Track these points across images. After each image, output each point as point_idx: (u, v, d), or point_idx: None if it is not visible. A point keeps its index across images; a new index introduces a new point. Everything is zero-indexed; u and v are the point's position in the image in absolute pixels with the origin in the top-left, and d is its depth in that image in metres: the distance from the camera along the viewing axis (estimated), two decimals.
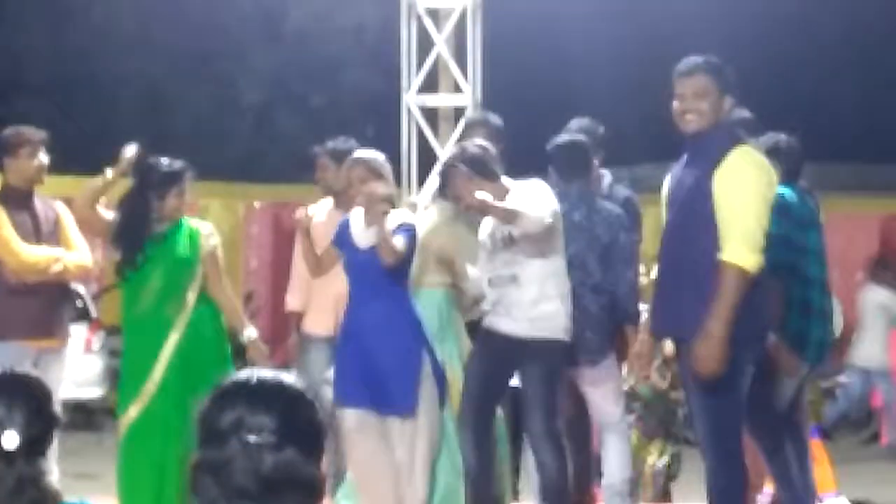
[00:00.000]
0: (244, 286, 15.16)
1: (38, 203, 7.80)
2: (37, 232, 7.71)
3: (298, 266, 8.11)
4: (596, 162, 7.77)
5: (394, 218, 7.14)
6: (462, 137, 8.07)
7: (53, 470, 6.69)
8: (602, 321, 7.36)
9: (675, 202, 6.22)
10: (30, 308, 7.64)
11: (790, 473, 6.85)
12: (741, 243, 5.91)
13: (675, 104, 6.18)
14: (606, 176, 7.89)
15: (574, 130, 7.79)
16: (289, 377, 2.85)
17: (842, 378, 14.22)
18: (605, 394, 7.52)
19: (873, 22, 19.29)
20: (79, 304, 13.34)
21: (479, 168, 7.09)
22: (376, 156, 7.25)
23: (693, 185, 6.08)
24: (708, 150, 6.11)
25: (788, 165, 7.10)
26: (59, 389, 7.47)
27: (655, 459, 9.09)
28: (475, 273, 7.36)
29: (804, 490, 6.88)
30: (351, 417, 7.15)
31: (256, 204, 16.13)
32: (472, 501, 7.28)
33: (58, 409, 3.57)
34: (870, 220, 15.72)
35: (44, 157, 7.75)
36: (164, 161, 7.53)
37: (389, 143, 10.26)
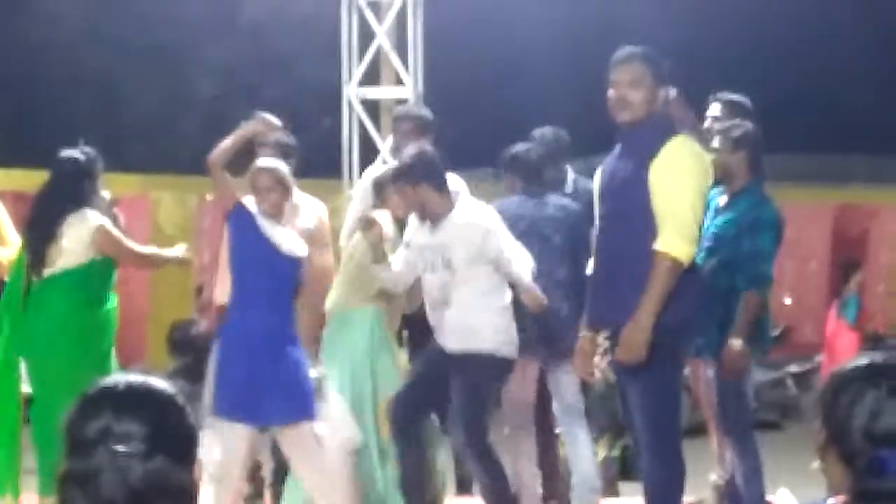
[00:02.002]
0: (197, 279, 15.07)
1: None
2: None
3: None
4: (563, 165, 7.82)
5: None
6: (392, 131, 8.02)
7: None
8: (573, 321, 7.30)
9: (610, 193, 6.17)
10: None
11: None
12: (675, 234, 5.88)
13: (610, 92, 6.12)
14: (569, 172, 7.86)
15: (538, 139, 7.79)
16: (158, 382, 2.76)
17: (792, 367, 14.26)
18: (571, 382, 7.50)
19: (822, 14, 19.32)
20: None
21: (419, 174, 7.09)
22: (281, 166, 7.13)
23: (629, 176, 6.03)
24: (643, 140, 6.06)
25: (754, 156, 7.09)
26: None
27: (605, 453, 9.06)
28: (395, 270, 7.33)
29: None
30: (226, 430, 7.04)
31: (209, 197, 16.06)
32: (406, 497, 7.26)
33: None
34: (823, 211, 15.74)
35: None
36: (80, 151, 7.43)
37: (340, 132, 10.20)
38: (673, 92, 6.84)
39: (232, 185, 7.09)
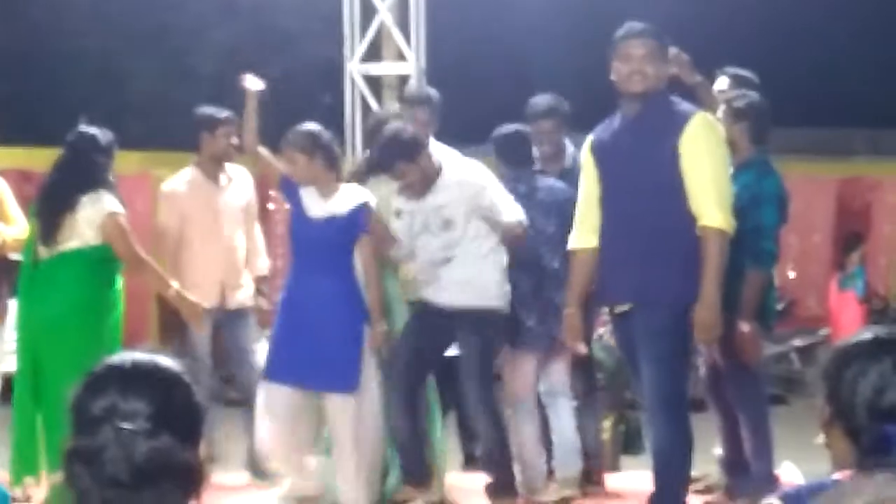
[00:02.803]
0: None
1: None
2: None
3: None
4: (563, 137, 7.82)
5: (350, 195, 7.15)
6: (404, 112, 7.96)
7: None
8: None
9: (628, 169, 6.22)
10: None
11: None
12: (719, 208, 6.04)
13: (621, 66, 6.22)
14: (569, 147, 7.85)
15: (539, 108, 7.76)
16: (164, 360, 2.76)
17: (797, 341, 14.26)
18: (563, 366, 7.53)
19: None
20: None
21: (412, 152, 7.10)
22: (304, 133, 7.18)
23: (656, 153, 6.12)
24: (660, 116, 6.18)
25: (758, 127, 7.08)
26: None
27: (612, 428, 9.06)
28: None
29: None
30: (268, 394, 7.11)
31: None
32: (403, 467, 7.28)
33: None
34: (827, 184, 15.72)
35: None
36: (98, 130, 7.41)
37: (343, 109, 10.20)
38: (674, 51, 6.92)
39: (273, 161, 7.24)
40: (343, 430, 7.06)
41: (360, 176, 7.61)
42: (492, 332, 7.16)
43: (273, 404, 7.10)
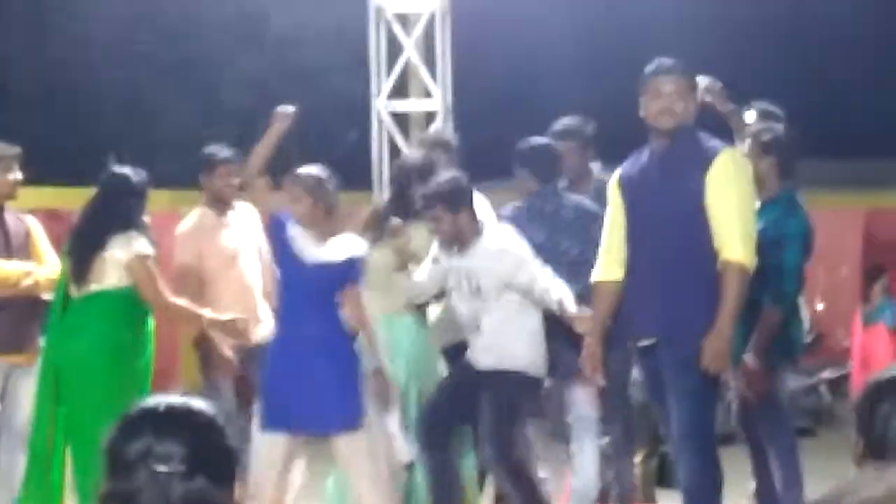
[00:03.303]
0: None
1: (9, 217, 7.75)
2: (7, 246, 7.66)
3: None
4: (587, 160, 7.82)
5: (347, 243, 7.13)
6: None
7: None
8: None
9: (655, 204, 6.26)
10: (0, 323, 7.58)
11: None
12: (741, 243, 6.08)
13: (650, 102, 6.29)
14: (595, 170, 7.85)
15: (562, 128, 7.78)
16: (198, 403, 2.79)
17: (826, 374, 14.19)
18: (586, 393, 7.52)
19: (853, 18, 19.24)
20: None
21: (456, 202, 7.10)
22: (312, 175, 7.14)
23: (683, 188, 6.17)
24: (687, 152, 6.23)
25: (784, 161, 7.08)
26: (30, 403, 7.42)
27: (644, 461, 9.03)
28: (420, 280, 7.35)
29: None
30: (264, 442, 7.08)
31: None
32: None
33: None
34: (854, 216, 15.67)
35: (18, 173, 7.70)
36: (131, 170, 7.46)
37: (370, 145, 10.24)
38: (708, 79, 6.96)
39: (267, 196, 7.21)
40: (358, 469, 7.02)
41: (382, 215, 7.60)
42: (509, 391, 7.13)
43: (270, 453, 7.04)
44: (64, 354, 7.24)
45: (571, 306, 7.05)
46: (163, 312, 7.30)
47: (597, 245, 7.27)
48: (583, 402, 7.56)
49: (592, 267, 7.27)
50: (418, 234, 7.38)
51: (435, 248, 7.30)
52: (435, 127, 9.95)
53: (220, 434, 2.76)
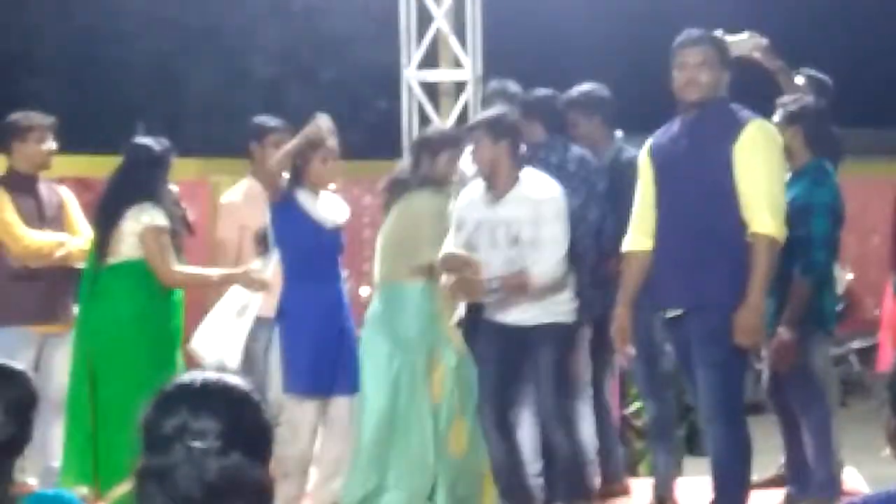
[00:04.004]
0: None
1: (43, 187, 7.80)
2: (41, 216, 7.71)
3: None
4: (604, 126, 7.75)
5: (339, 203, 7.46)
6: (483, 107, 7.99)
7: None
8: (586, 293, 7.32)
9: (683, 174, 6.27)
10: (33, 293, 7.64)
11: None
12: (770, 214, 6.07)
13: (677, 74, 6.30)
14: (617, 139, 7.81)
15: (571, 98, 7.75)
16: (234, 378, 2.80)
17: (856, 343, 14.16)
18: (582, 359, 7.49)
19: None
20: None
21: (499, 132, 7.02)
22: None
23: (709, 159, 6.17)
24: (716, 123, 6.22)
25: (812, 131, 7.06)
26: (65, 373, 7.46)
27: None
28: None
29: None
30: (307, 408, 7.22)
31: None
32: (502, 490, 7.24)
33: None
34: (885, 185, 15.59)
35: (52, 143, 7.73)
36: (154, 139, 7.47)
37: (399, 116, 10.21)
38: (753, 37, 6.93)
39: (281, 184, 7.28)
40: (348, 431, 7.28)
41: (398, 182, 7.57)
42: (563, 345, 7.12)
43: (305, 420, 7.20)
44: (90, 326, 7.30)
45: (535, 277, 6.97)
46: (170, 284, 7.28)
47: (596, 197, 7.27)
48: (580, 363, 7.52)
49: (590, 222, 7.28)
50: (426, 200, 7.36)
51: (457, 210, 7.23)
52: (467, 95, 9.92)
53: (256, 410, 2.77)
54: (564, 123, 7.61)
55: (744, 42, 7.17)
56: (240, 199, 8.23)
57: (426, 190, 7.35)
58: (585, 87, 7.83)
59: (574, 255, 7.18)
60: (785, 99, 7.29)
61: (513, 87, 7.98)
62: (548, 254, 6.95)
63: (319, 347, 7.21)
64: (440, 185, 7.36)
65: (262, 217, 7.92)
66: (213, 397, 2.74)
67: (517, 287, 6.96)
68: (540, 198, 6.98)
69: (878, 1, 18.84)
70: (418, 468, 7.23)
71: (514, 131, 7.08)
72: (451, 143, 7.43)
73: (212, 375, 2.78)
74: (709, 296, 6.14)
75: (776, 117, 7.08)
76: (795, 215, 6.62)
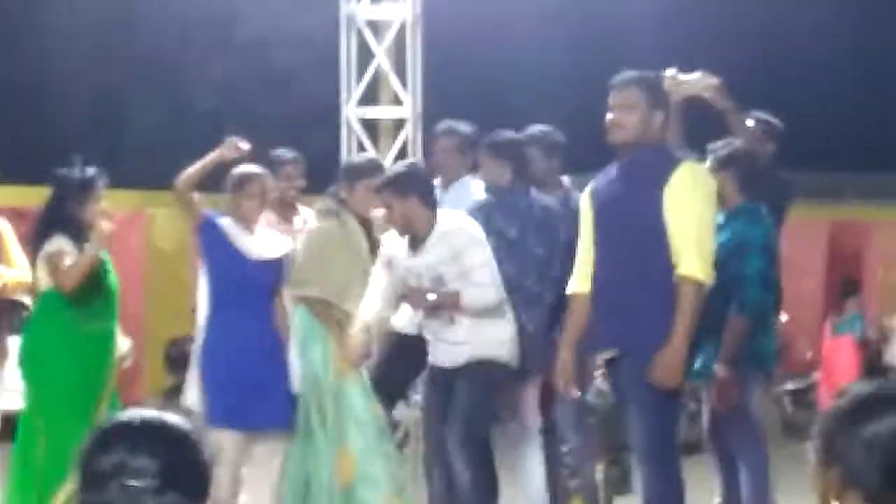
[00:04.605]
0: (192, 298, 15.07)
1: None
2: None
3: None
4: (555, 169, 7.83)
5: (278, 239, 7.49)
6: (429, 147, 8.04)
7: None
8: (538, 336, 7.34)
9: (616, 217, 6.31)
10: None
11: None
12: (698, 257, 6.10)
13: (607, 115, 6.31)
14: (566, 184, 7.87)
15: (533, 135, 7.80)
16: (173, 417, 2.80)
17: (789, 385, 14.27)
18: (533, 401, 7.51)
19: (817, 33, 19.36)
20: (25, 314, 13.27)
21: (408, 187, 7.07)
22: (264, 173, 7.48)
23: (640, 202, 6.21)
24: (647, 166, 6.27)
25: (744, 175, 7.10)
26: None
27: (604, 470, 9.05)
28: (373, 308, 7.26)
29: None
30: (220, 440, 7.16)
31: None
32: None
33: None
34: (818, 227, 15.76)
35: None
36: (78, 169, 7.48)
37: (339, 152, 10.22)
38: (704, 77, 6.97)
39: (198, 204, 7.27)
40: (274, 467, 7.30)
41: (327, 212, 7.60)
42: (485, 378, 7.10)
43: (228, 451, 7.17)
44: (22, 361, 7.38)
45: (467, 305, 7.01)
46: (70, 283, 7.24)
47: (559, 247, 7.30)
48: (529, 410, 7.54)
49: (555, 269, 7.31)
50: (325, 232, 7.42)
51: (386, 251, 7.26)
52: (407, 132, 9.95)
53: (195, 449, 2.77)
54: (527, 167, 7.64)
55: (695, 81, 7.18)
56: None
57: (331, 219, 7.41)
58: (543, 127, 7.90)
59: (528, 300, 7.25)
60: (716, 144, 7.35)
61: (463, 127, 8.03)
62: (478, 277, 6.98)
63: (235, 380, 7.22)
64: (354, 214, 7.40)
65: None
66: (151, 436, 2.74)
67: (451, 302, 7.00)
68: (450, 232, 7.02)
69: (813, 49, 19.08)
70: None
71: (420, 181, 7.14)
72: (369, 173, 7.50)
73: (151, 414, 2.78)
74: (639, 338, 6.18)
75: (707, 163, 7.14)
76: (730, 255, 6.68)
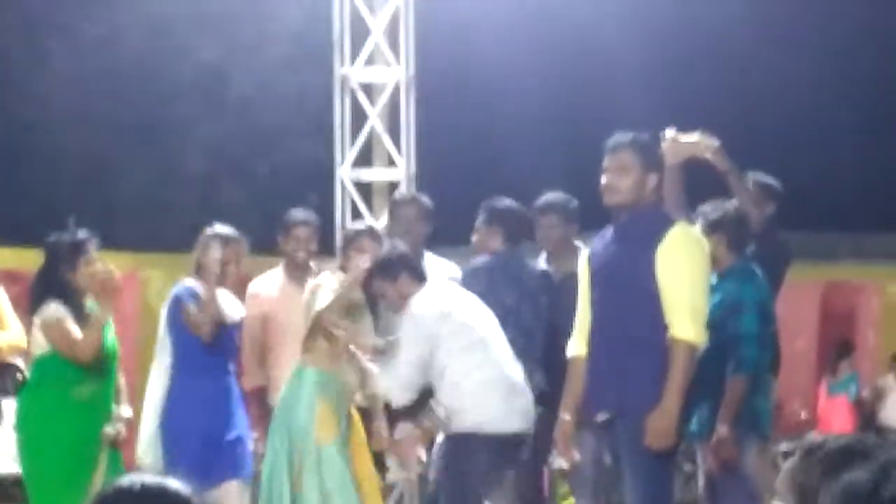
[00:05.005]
0: None
1: None
2: None
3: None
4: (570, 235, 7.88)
5: (235, 301, 7.69)
6: (391, 215, 8.10)
7: None
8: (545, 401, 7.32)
9: (610, 279, 6.33)
10: None
11: None
12: (691, 319, 6.11)
13: (602, 178, 6.36)
14: (581, 249, 7.90)
15: (546, 202, 7.84)
16: (173, 483, 2.79)
17: (782, 446, 14.22)
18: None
19: (809, 93, 19.45)
20: (18, 377, 13.21)
21: (393, 268, 7.17)
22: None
23: (633, 263, 6.24)
24: (640, 228, 6.30)
25: (732, 237, 7.12)
26: None
27: None
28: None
29: None
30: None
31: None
32: None
33: None
34: (810, 288, 15.75)
35: None
36: (68, 233, 7.48)
37: (332, 211, 10.23)
38: (704, 138, 6.98)
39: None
40: None
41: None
42: (456, 453, 7.05)
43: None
44: (16, 426, 7.37)
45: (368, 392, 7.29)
46: (86, 353, 7.23)
47: (545, 315, 7.32)
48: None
49: (541, 336, 7.32)
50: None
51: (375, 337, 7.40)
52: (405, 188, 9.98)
53: None
54: (525, 235, 7.68)
55: (695, 143, 7.18)
56: (267, 289, 8.20)
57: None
58: (560, 195, 7.95)
59: (533, 361, 7.30)
60: (705, 207, 7.36)
61: (423, 198, 8.12)
62: (395, 360, 7.05)
63: (204, 442, 7.40)
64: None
65: (287, 310, 7.91)
66: (152, 502, 2.73)
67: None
68: (409, 312, 7.11)
69: (803, 108, 19.17)
70: None
71: (404, 258, 7.21)
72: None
73: (152, 480, 2.77)
74: (632, 401, 6.18)
75: (698, 226, 7.15)
76: (724, 315, 6.68)
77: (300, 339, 7.72)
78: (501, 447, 7.04)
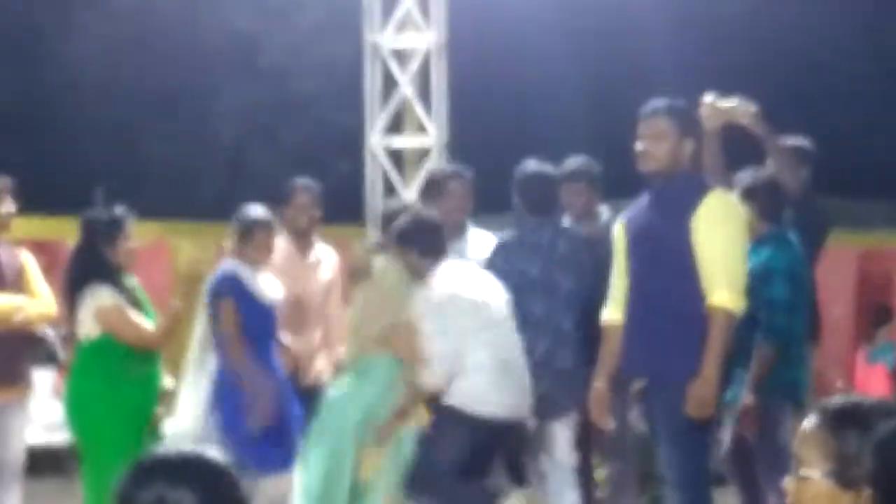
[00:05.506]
0: None
1: (2, 250, 7.69)
2: (1, 280, 7.60)
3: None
4: (591, 200, 7.79)
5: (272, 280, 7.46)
6: (437, 191, 7.92)
7: None
8: (575, 375, 7.25)
9: (646, 247, 6.28)
10: None
11: None
12: (728, 288, 6.06)
13: (637, 145, 6.30)
14: (604, 212, 7.83)
15: (569, 170, 7.77)
16: (212, 452, 2.77)
17: None
18: (566, 438, 7.43)
19: (845, 61, 19.34)
20: (47, 347, 13.24)
21: (406, 240, 7.07)
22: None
23: (669, 230, 6.18)
24: (677, 195, 6.24)
25: (765, 206, 7.06)
26: (23, 438, 7.46)
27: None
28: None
29: None
30: (282, 485, 7.24)
31: (226, 243, 15.94)
32: None
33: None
34: (847, 256, 15.65)
35: (10, 205, 7.64)
36: (104, 209, 7.42)
37: (362, 179, 10.20)
38: (741, 103, 6.91)
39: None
40: None
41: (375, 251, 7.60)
42: (441, 426, 7.02)
43: (276, 493, 7.22)
44: (66, 405, 7.35)
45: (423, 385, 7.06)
46: (160, 343, 7.24)
47: (590, 277, 7.24)
48: (563, 448, 7.47)
49: (585, 299, 7.25)
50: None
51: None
52: (432, 162, 9.92)
53: (232, 484, 2.75)
54: (553, 202, 7.59)
55: (733, 108, 7.14)
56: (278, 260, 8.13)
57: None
58: (584, 160, 7.88)
59: (559, 338, 7.24)
60: (742, 175, 7.30)
61: (468, 173, 8.00)
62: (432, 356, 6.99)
63: (280, 427, 7.26)
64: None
65: (291, 282, 7.77)
66: (190, 471, 2.71)
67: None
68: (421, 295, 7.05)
69: (842, 74, 19.07)
70: None
71: (420, 235, 7.09)
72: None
73: (190, 449, 2.75)
74: (668, 369, 6.14)
75: (734, 193, 7.09)
76: (755, 282, 6.61)
77: (307, 308, 7.83)
78: (482, 430, 6.97)
